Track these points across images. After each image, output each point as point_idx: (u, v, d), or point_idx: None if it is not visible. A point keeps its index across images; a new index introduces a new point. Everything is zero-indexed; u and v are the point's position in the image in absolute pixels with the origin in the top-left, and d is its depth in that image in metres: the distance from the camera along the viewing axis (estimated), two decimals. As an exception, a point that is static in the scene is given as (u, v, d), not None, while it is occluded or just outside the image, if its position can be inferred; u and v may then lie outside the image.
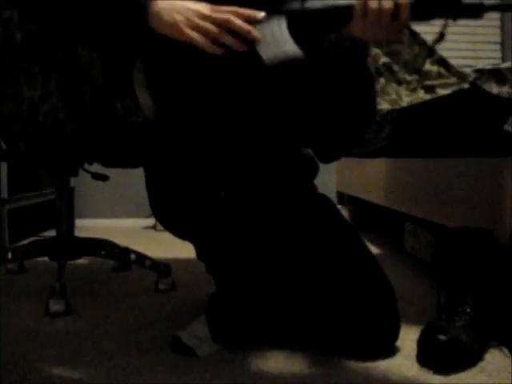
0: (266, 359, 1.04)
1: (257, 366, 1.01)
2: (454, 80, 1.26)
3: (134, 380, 0.94)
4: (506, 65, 1.30)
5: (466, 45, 3.57)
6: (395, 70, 1.30)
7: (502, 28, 3.56)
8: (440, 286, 1.14)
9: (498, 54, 3.57)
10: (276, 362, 1.02)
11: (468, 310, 1.04)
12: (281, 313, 1.12)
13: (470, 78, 1.24)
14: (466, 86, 1.24)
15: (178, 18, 0.89)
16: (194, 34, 0.88)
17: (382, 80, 1.29)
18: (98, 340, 1.14)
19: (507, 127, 1.26)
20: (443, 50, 3.52)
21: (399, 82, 1.30)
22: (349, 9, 0.89)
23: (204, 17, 0.89)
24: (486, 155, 1.31)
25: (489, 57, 3.50)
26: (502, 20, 3.55)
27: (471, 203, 1.39)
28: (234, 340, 1.10)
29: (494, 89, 1.22)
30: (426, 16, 0.89)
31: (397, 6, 0.86)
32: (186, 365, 1.01)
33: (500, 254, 1.12)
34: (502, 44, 3.57)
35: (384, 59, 1.29)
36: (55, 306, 1.33)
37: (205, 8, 0.90)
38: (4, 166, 2.27)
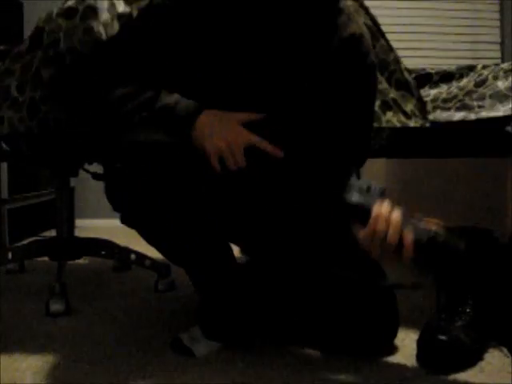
0: (266, 359, 1.04)
1: (257, 366, 1.01)
2: (461, 115, 1.27)
3: (134, 380, 0.94)
4: (505, 66, 1.30)
5: (466, 45, 3.57)
6: (403, 107, 1.31)
7: (502, 28, 3.56)
8: (440, 286, 1.14)
9: (498, 54, 3.57)
10: (276, 362, 1.02)
11: (468, 310, 1.04)
12: (279, 312, 1.12)
13: (475, 111, 1.25)
14: (472, 117, 1.25)
15: (213, 149, 0.96)
16: (216, 164, 0.96)
17: (389, 113, 1.30)
18: (98, 340, 1.14)
19: (508, 128, 1.26)
20: (443, 49, 3.53)
21: (407, 116, 1.30)
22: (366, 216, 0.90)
23: (231, 150, 0.96)
24: (486, 155, 1.31)
25: (488, 57, 3.51)
26: (502, 20, 3.55)
27: (471, 203, 1.39)
28: (225, 336, 1.10)
29: (501, 109, 1.23)
30: (426, 264, 0.93)
31: (401, 243, 0.88)
32: (186, 365, 1.01)
33: (500, 254, 1.12)
34: (502, 44, 3.57)
35: (393, 95, 1.30)
36: (55, 306, 1.33)
37: (239, 140, 0.97)
38: (4, 166, 2.27)
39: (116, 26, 1.09)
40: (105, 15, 1.10)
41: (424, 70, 1.41)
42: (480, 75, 1.33)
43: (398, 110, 1.31)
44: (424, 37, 3.54)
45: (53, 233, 1.69)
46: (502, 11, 3.56)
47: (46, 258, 1.65)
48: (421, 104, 1.30)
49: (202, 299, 1.13)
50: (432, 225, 0.90)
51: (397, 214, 0.89)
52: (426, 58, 3.42)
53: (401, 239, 0.88)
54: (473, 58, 3.45)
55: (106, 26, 1.09)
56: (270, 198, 1.04)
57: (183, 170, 0.97)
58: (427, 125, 1.29)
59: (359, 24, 1.05)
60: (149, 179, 0.95)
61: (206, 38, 1.01)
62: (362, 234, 0.91)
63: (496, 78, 1.28)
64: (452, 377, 0.95)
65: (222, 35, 1.01)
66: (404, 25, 3.51)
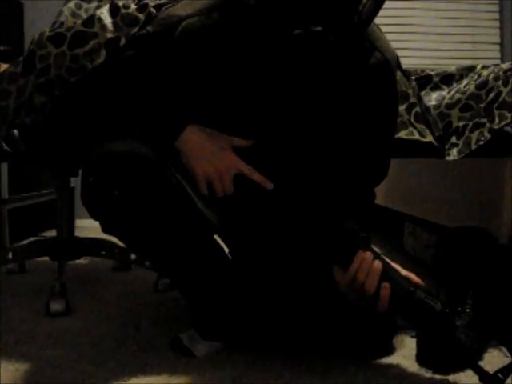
0: (266, 359, 1.04)
1: (257, 366, 1.01)
2: (476, 137, 1.27)
3: (134, 380, 0.94)
4: (505, 66, 1.30)
5: (466, 45, 3.57)
6: (421, 132, 1.31)
7: (502, 29, 3.56)
8: (440, 286, 1.14)
9: (497, 55, 3.58)
10: (276, 362, 1.02)
11: (468, 310, 1.04)
12: (278, 313, 1.12)
13: (487, 128, 1.25)
14: (487, 136, 1.25)
15: (197, 167, 0.97)
16: (203, 188, 0.97)
17: (402, 132, 1.31)
18: (98, 340, 1.14)
19: (507, 128, 1.26)
20: (443, 50, 3.54)
21: (422, 136, 1.31)
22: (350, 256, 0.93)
23: (220, 177, 0.97)
24: (486, 155, 1.31)
25: (488, 57, 3.51)
26: (501, 21, 3.56)
27: (471, 203, 1.39)
28: (221, 336, 1.10)
29: (509, 115, 1.23)
30: (401, 317, 0.95)
31: (378, 292, 0.91)
32: (186, 365, 1.01)
33: (499, 254, 1.12)
34: (501, 45, 3.57)
35: (409, 118, 1.30)
36: (55, 306, 1.33)
37: (229, 167, 0.97)
38: (4, 166, 2.26)
39: (103, 54, 1.10)
40: (92, 42, 1.11)
41: (424, 71, 1.41)
42: (480, 76, 1.33)
43: (413, 129, 1.30)
44: (424, 37, 3.54)
45: (53, 233, 1.69)
46: (501, 12, 3.56)
47: (46, 258, 1.65)
48: (440, 143, 1.28)
49: (191, 302, 1.13)
50: (411, 280, 0.94)
51: (378, 265, 0.92)
52: (425, 59, 3.42)
53: (378, 289, 0.91)
54: (472, 59, 3.46)
55: (92, 53, 1.10)
56: (255, 222, 1.04)
57: (164, 182, 0.97)
58: (446, 158, 1.28)
59: (384, 48, 1.02)
60: (126, 191, 0.95)
61: (199, 69, 1.01)
62: (341, 278, 0.94)
63: (497, 79, 1.28)
64: (452, 377, 0.95)
65: (216, 62, 1.00)
66: (404, 25, 3.51)
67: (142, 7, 1.10)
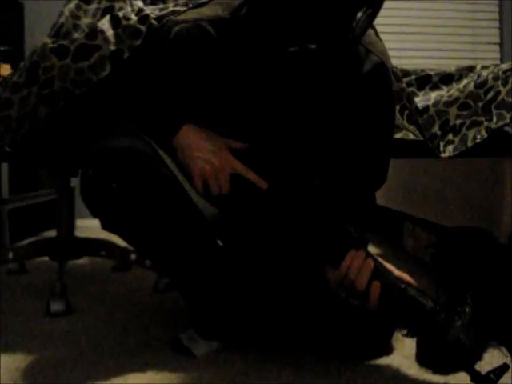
0: (266, 359, 1.04)
1: (256, 366, 1.01)
2: (473, 135, 1.27)
3: (134, 380, 0.95)
4: (504, 66, 1.31)
5: (466, 45, 3.57)
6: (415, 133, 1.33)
7: (501, 29, 3.56)
8: (440, 286, 1.14)
9: (497, 55, 3.58)
10: (276, 363, 1.02)
11: (467, 310, 1.04)
12: (275, 312, 1.12)
13: (484, 126, 1.25)
14: (484, 134, 1.25)
15: (193, 165, 0.98)
16: (199, 186, 0.98)
17: (398, 134, 1.32)
18: (98, 340, 1.14)
19: (507, 128, 1.26)
20: (443, 50, 3.55)
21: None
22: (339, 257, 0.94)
23: (216, 176, 0.98)
24: (486, 155, 1.31)
25: (488, 57, 3.51)
26: (501, 21, 3.56)
27: (471, 203, 1.39)
28: (220, 335, 1.10)
29: (507, 116, 1.23)
30: (392, 315, 0.96)
31: (368, 290, 0.92)
32: (186, 365, 1.01)
33: (500, 254, 1.12)
34: (501, 45, 3.57)
35: (402, 122, 1.32)
36: (55, 306, 1.33)
37: (225, 166, 0.98)
38: (4, 166, 2.27)
39: (108, 67, 1.10)
40: (96, 55, 1.10)
41: (423, 71, 1.41)
42: (480, 76, 1.33)
43: (408, 131, 1.31)
44: (424, 37, 3.54)
45: (53, 233, 1.69)
46: (501, 12, 3.56)
47: (46, 258, 1.65)
48: (432, 142, 1.29)
49: (190, 301, 1.13)
50: (403, 279, 0.95)
51: (369, 263, 0.93)
52: (425, 59, 3.42)
53: (369, 287, 0.92)
54: (472, 59, 3.46)
55: (96, 66, 1.10)
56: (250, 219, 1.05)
57: (160, 176, 0.98)
58: (442, 155, 1.28)
59: (379, 50, 1.03)
60: (123, 183, 0.95)
61: (190, 74, 1.02)
62: (332, 275, 0.95)
63: (496, 78, 1.28)
64: (451, 377, 0.95)
65: (218, 72, 1.01)
66: (404, 25, 3.51)
67: (143, 18, 1.10)
